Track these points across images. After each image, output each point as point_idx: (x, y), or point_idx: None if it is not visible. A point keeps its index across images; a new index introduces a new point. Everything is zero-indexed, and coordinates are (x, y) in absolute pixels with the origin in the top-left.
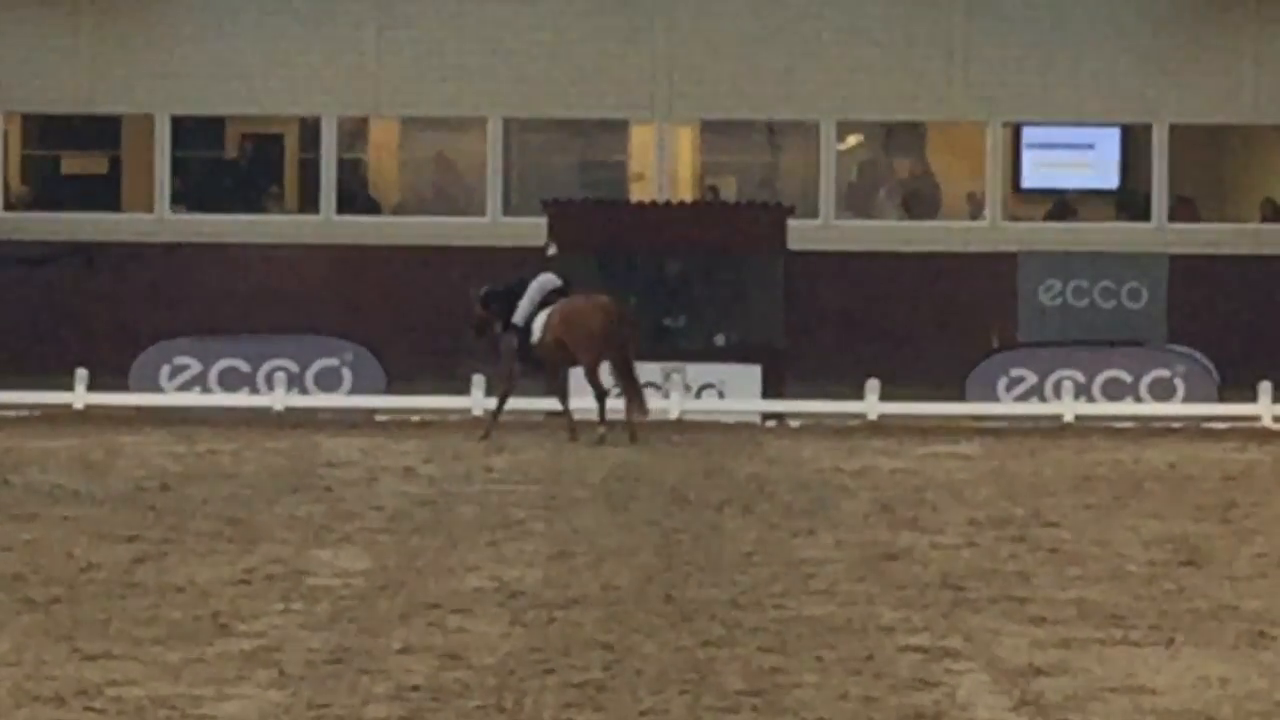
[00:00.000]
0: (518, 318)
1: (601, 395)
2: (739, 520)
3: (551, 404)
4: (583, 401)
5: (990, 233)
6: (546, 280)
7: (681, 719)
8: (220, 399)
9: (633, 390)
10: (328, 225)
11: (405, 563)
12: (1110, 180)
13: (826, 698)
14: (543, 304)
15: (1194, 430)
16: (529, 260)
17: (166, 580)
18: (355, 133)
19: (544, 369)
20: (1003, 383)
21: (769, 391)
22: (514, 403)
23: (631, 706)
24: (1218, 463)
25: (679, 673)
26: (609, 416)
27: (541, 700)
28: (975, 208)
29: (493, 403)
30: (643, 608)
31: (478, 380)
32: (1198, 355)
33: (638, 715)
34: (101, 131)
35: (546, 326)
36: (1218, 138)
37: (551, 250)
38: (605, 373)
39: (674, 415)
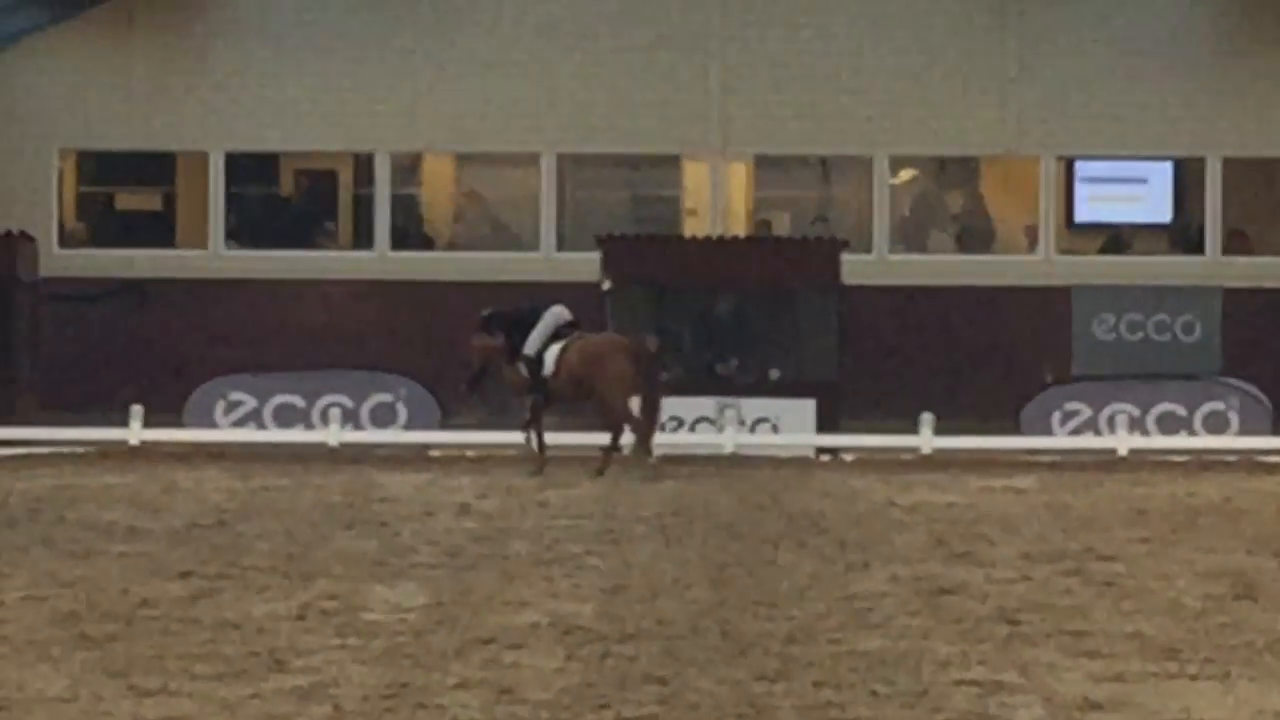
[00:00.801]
0: (529, 349)
1: (619, 433)
2: (793, 554)
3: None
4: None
5: (1044, 267)
6: (560, 312)
7: None
8: (275, 435)
9: (649, 429)
10: (382, 261)
11: (460, 598)
12: (1164, 214)
13: None
14: (554, 336)
15: (1248, 464)
16: (585, 296)
17: (222, 616)
18: (409, 169)
19: (551, 402)
20: (1057, 416)
21: (823, 426)
22: (569, 438)
23: None
24: (1272, 496)
25: (734, 707)
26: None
27: None
28: (1029, 242)
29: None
30: (697, 642)
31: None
32: (1252, 388)
33: None
34: (156, 168)
35: (561, 362)
36: (1271, 170)
37: (606, 285)
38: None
39: (728, 449)
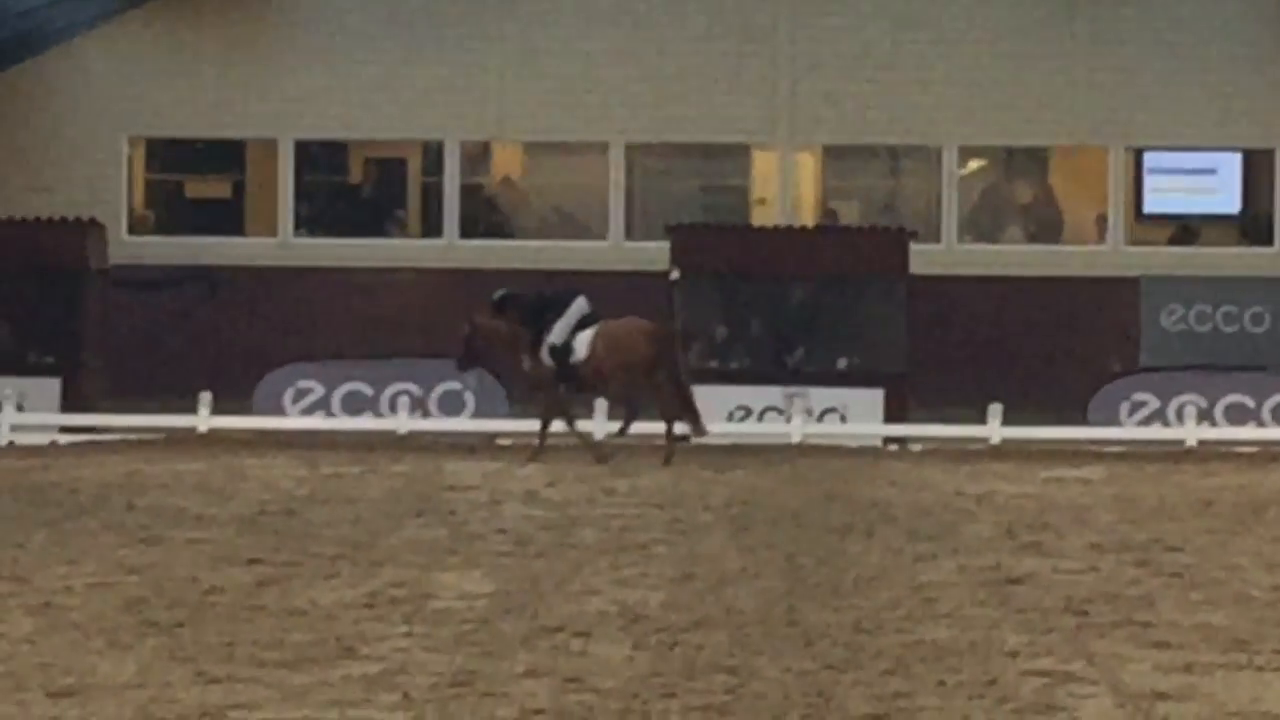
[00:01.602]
0: (556, 337)
1: (631, 418)
2: (861, 544)
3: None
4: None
5: (1112, 257)
6: (583, 303)
7: None
8: (344, 422)
9: (690, 411)
10: (451, 249)
11: (528, 586)
12: (1232, 205)
13: None
14: (579, 326)
15: None
16: (653, 285)
17: (290, 603)
18: (478, 157)
19: (583, 390)
20: (1125, 407)
21: (891, 415)
22: (637, 426)
23: None
24: None
25: (802, 696)
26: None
27: None
28: (1098, 232)
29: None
30: (765, 631)
31: (600, 404)
32: None
33: None
34: (225, 156)
35: (593, 348)
36: None
37: (674, 275)
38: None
39: (796, 439)
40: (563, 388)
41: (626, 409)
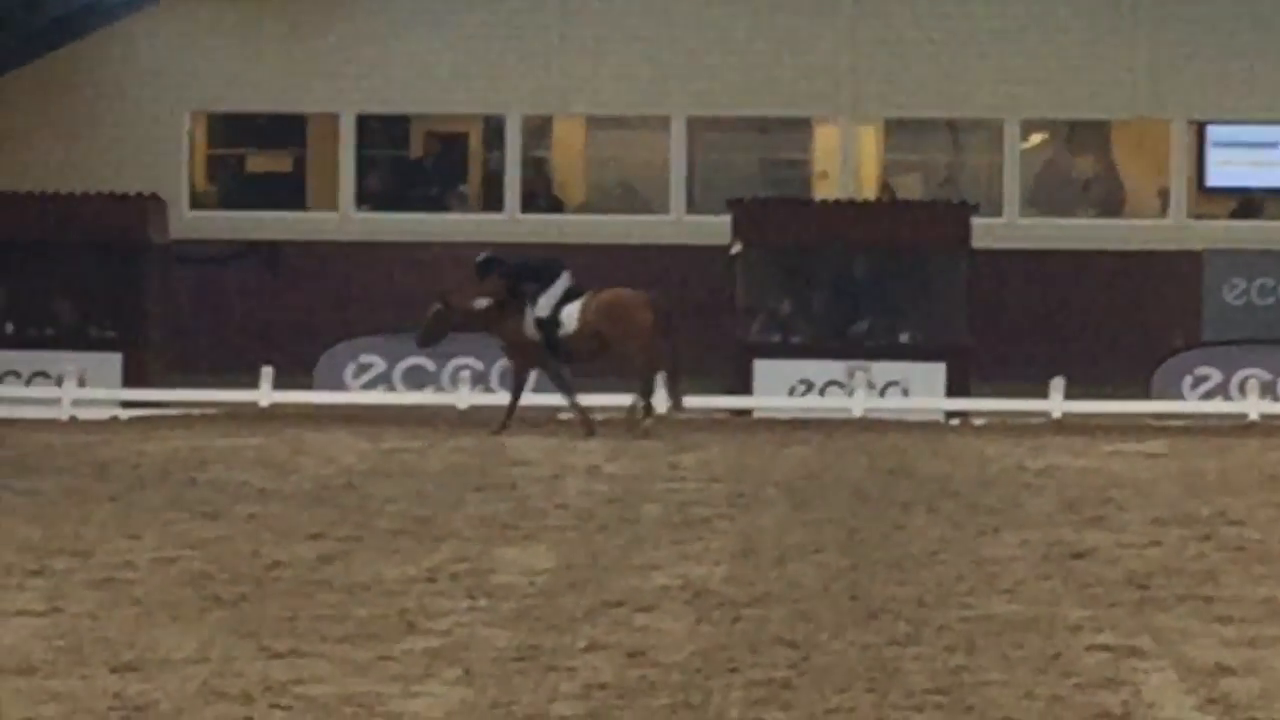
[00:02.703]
0: (542, 310)
1: (650, 383)
2: (924, 519)
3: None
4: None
5: (1175, 231)
6: (566, 278)
7: (868, 717)
8: (405, 397)
9: (675, 385)
10: (512, 224)
11: (590, 560)
12: None
13: (1013, 696)
14: (564, 299)
15: None
16: (714, 259)
17: (352, 578)
18: (539, 131)
19: (569, 361)
20: (1188, 381)
21: (953, 389)
22: (695, 401)
23: (818, 705)
24: None
25: (865, 671)
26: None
27: (728, 698)
28: (1160, 206)
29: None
30: (828, 606)
31: (660, 379)
32: None
33: (824, 714)
34: (286, 130)
35: (582, 318)
36: None
37: (736, 248)
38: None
39: (858, 413)
40: (550, 361)
41: (643, 382)
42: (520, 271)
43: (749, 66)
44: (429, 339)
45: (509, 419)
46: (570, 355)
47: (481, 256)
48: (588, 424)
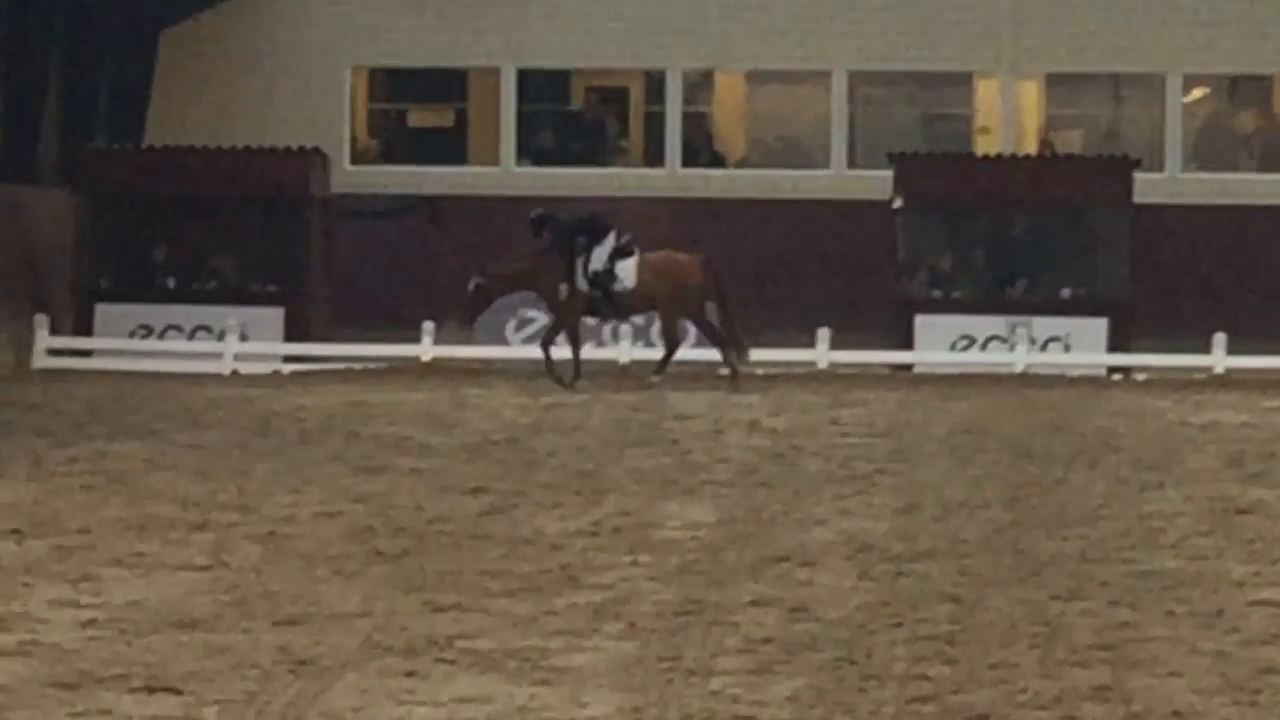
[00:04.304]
0: (597, 264)
1: (673, 349)
2: (1086, 474)
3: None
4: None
5: None
6: (615, 235)
7: (1031, 672)
8: (566, 352)
9: (735, 339)
10: (673, 178)
11: (752, 515)
12: None
13: (1177, 652)
14: (614, 255)
15: None
16: (875, 213)
17: (515, 532)
18: (700, 86)
19: (624, 316)
20: None
21: (1115, 345)
22: (856, 356)
23: (981, 659)
24: None
25: (1028, 626)
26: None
27: (891, 653)
28: None
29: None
30: (991, 561)
31: (823, 334)
32: None
33: (987, 668)
34: (448, 85)
35: (639, 277)
36: None
37: (897, 203)
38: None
39: (1019, 369)
40: (603, 309)
41: (667, 340)
42: (573, 227)
43: (910, 20)
44: (473, 315)
45: (578, 372)
46: (625, 310)
47: (535, 213)
48: (575, 374)
